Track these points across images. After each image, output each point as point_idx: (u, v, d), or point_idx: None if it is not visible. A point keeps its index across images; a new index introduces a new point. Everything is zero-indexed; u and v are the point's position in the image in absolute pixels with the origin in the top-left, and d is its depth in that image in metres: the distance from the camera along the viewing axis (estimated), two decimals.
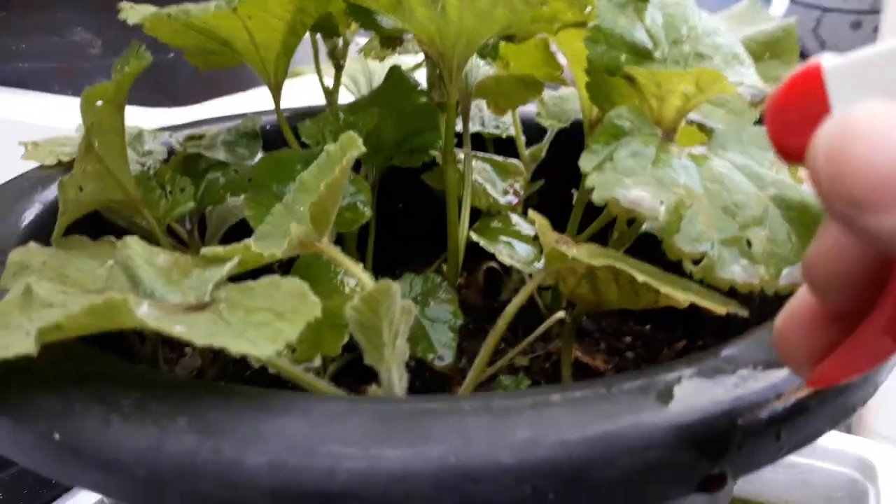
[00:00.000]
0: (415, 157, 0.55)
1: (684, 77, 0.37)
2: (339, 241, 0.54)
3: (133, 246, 0.36)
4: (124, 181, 0.47)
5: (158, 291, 0.34)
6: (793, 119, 0.23)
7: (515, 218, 0.56)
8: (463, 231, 0.53)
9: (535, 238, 0.52)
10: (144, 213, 0.49)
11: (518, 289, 0.62)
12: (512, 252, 0.51)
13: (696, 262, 0.34)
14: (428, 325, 0.50)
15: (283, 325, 0.30)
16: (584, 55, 0.41)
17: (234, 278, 0.34)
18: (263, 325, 0.30)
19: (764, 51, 0.46)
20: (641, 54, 0.39)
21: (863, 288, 0.24)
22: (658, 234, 0.33)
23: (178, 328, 0.28)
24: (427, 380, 0.52)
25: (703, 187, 0.35)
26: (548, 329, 0.53)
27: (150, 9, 0.45)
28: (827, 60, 0.23)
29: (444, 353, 0.49)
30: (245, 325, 0.30)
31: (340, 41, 0.59)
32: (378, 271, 0.48)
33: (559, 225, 0.49)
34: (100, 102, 0.43)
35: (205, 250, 0.36)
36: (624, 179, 0.34)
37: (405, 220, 0.68)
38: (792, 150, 0.23)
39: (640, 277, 0.34)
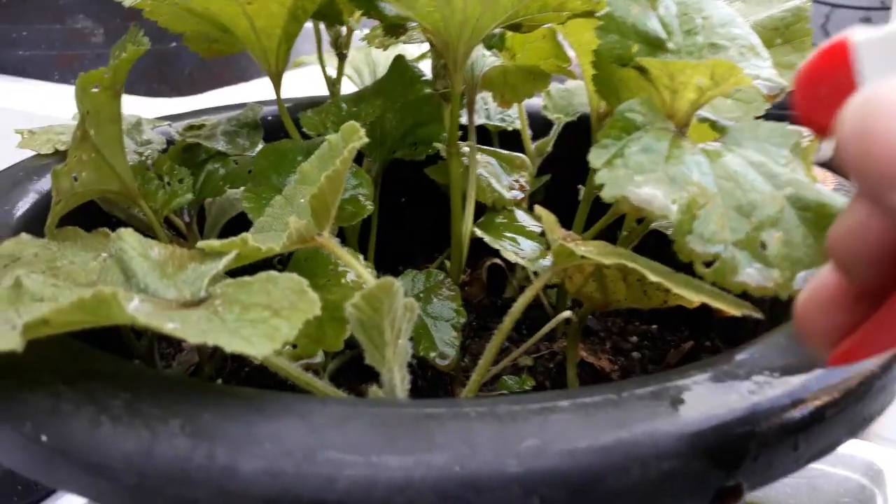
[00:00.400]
0: (418, 149, 0.54)
1: (699, 69, 0.36)
2: (341, 235, 0.53)
3: (127, 238, 0.35)
4: (121, 171, 0.45)
5: (152, 286, 0.33)
6: (821, 93, 0.23)
7: (520, 213, 0.54)
8: (467, 226, 0.52)
9: (541, 234, 0.51)
10: (142, 204, 0.48)
11: (522, 286, 0.61)
12: (517, 248, 0.50)
13: (708, 264, 0.32)
14: (430, 322, 0.48)
15: (281, 323, 0.28)
16: (592, 46, 0.40)
17: (234, 272, 0.33)
18: (260, 323, 0.29)
19: (775, 36, 0.45)
20: (654, 45, 0.38)
21: (889, 266, 0.23)
22: (670, 234, 0.32)
23: (170, 325, 0.27)
24: (429, 379, 0.51)
25: (716, 185, 0.34)
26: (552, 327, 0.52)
27: None
28: (857, 34, 0.22)
29: (446, 351, 0.47)
30: (241, 323, 0.29)
31: (344, 30, 0.57)
32: (380, 267, 0.47)
33: (565, 221, 0.48)
34: (96, 89, 0.41)
35: (201, 244, 0.34)
36: (635, 176, 0.33)
37: (408, 214, 0.66)
38: (820, 125, 0.23)
39: (653, 277, 0.33)
